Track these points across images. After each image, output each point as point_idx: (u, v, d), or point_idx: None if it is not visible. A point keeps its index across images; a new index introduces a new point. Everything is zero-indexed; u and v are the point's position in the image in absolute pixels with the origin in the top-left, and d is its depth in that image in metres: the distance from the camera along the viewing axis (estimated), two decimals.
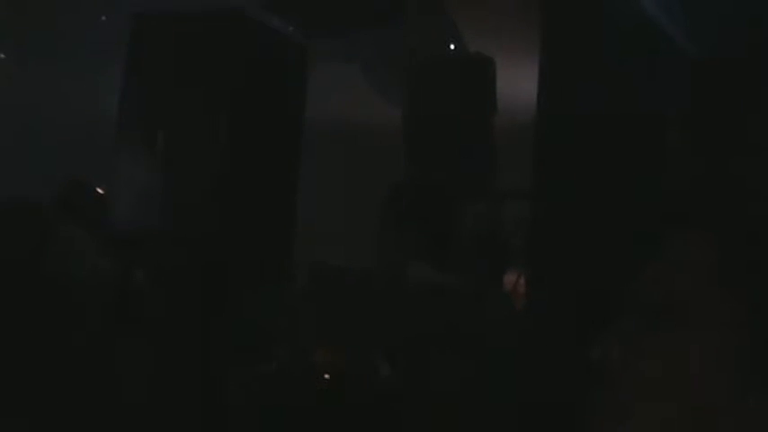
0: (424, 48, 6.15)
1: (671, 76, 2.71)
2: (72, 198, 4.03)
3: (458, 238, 2.73)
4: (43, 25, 6.68)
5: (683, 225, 1.62)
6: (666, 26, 2.76)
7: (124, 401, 3.45)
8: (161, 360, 3.70)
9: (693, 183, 1.62)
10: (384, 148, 5.52)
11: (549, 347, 2.69)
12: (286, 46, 4.56)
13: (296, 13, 5.35)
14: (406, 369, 2.49)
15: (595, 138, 2.96)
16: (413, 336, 2.49)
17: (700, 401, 1.37)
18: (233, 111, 4.08)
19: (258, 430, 3.08)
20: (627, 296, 1.58)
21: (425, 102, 5.25)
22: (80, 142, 6.47)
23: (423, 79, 5.37)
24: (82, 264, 3.77)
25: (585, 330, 1.82)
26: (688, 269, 1.51)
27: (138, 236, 4.01)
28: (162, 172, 4.05)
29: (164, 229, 4.01)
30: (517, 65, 4.80)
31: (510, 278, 4.05)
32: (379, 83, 7.15)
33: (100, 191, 4.14)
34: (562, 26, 3.18)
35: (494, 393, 2.64)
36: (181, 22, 4.22)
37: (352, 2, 5.75)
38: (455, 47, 6.28)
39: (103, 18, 6.43)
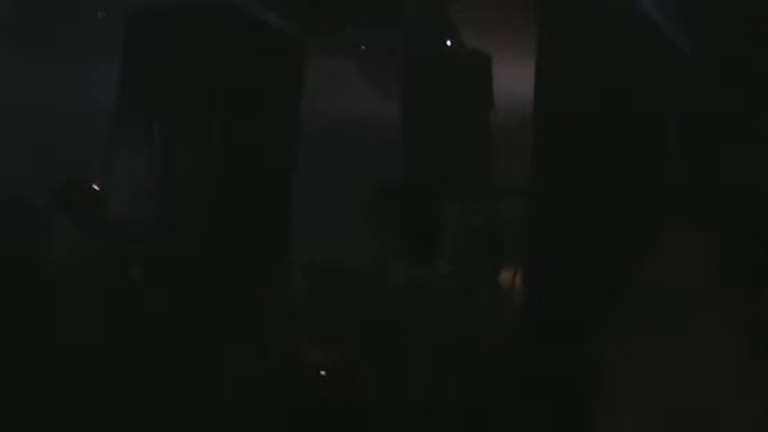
0: (421, 44, 6.14)
1: (669, 74, 2.71)
2: (68, 195, 4.02)
3: (440, 237, 2.74)
4: (41, 21, 6.66)
5: (682, 224, 1.61)
6: (664, 24, 2.76)
7: (121, 399, 3.45)
8: (157, 356, 3.70)
9: (692, 181, 1.62)
10: (381, 144, 5.52)
11: (547, 346, 2.69)
12: (283, 41, 4.55)
13: (294, 8, 5.34)
14: (395, 369, 2.50)
15: (592, 135, 2.96)
16: (397, 335, 2.49)
17: (700, 401, 1.37)
18: (229, 106, 4.07)
19: (252, 427, 3.08)
20: (626, 295, 1.58)
21: (422, 98, 5.24)
22: (75, 138, 6.47)
23: (420, 76, 5.36)
24: (78, 260, 3.76)
25: (584, 329, 1.82)
26: (688, 268, 1.50)
27: (135, 232, 4.01)
28: (158, 167, 4.05)
29: (160, 225, 4.01)
30: (514, 62, 4.80)
31: (507, 275, 4.05)
32: (376, 79, 7.15)
33: (96, 187, 4.14)
34: (559, 23, 3.17)
35: (485, 391, 2.65)
36: (177, 17, 4.21)
37: None
38: (452, 43, 6.28)
39: (99, 15, 6.41)
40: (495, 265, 4.05)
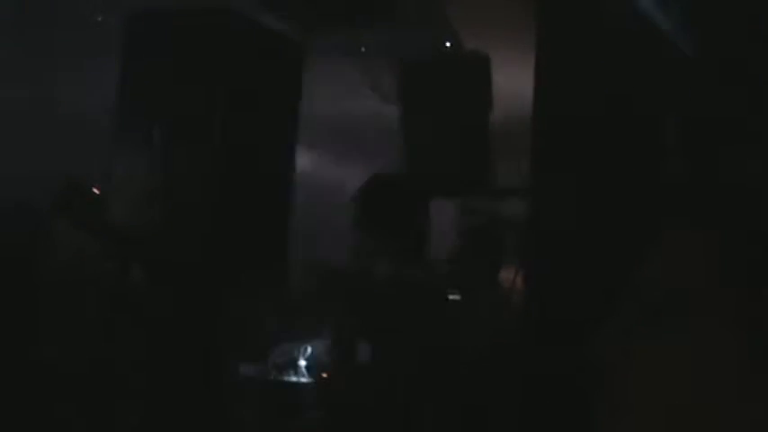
0: (420, 45, 6.15)
1: (669, 74, 2.71)
2: (68, 197, 4.03)
3: (425, 235, 2.75)
4: (39, 23, 6.66)
5: (682, 224, 1.61)
6: (664, 24, 2.76)
7: (122, 400, 3.45)
8: (158, 358, 3.70)
9: (692, 181, 1.62)
10: (381, 144, 5.52)
11: (547, 346, 2.69)
12: (283, 43, 4.55)
13: (294, 10, 5.35)
14: (395, 369, 2.50)
15: (592, 135, 2.96)
16: (397, 335, 2.50)
17: (700, 401, 1.37)
18: (229, 107, 4.07)
19: (252, 427, 3.08)
20: (626, 295, 1.58)
21: (422, 99, 5.24)
22: (75, 140, 6.47)
23: (419, 77, 5.36)
24: (78, 262, 3.77)
25: (584, 329, 1.82)
26: (687, 268, 1.50)
27: (135, 234, 4.01)
28: (158, 169, 4.05)
29: (159, 226, 4.01)
30: (513, 62, 4.80)
31: (507, 275, 4.06)
32: (376, 80, 7.15)
33: (95, 190, 4.14)
34: (558, 23, 3.17)
35: (485, 391, 2.64)
36: (177, 19, 4.21)
37: None
38: (451, 44, 6.29)
39: (99, 18, 6.42)
40: (495, 265, 4.06)
